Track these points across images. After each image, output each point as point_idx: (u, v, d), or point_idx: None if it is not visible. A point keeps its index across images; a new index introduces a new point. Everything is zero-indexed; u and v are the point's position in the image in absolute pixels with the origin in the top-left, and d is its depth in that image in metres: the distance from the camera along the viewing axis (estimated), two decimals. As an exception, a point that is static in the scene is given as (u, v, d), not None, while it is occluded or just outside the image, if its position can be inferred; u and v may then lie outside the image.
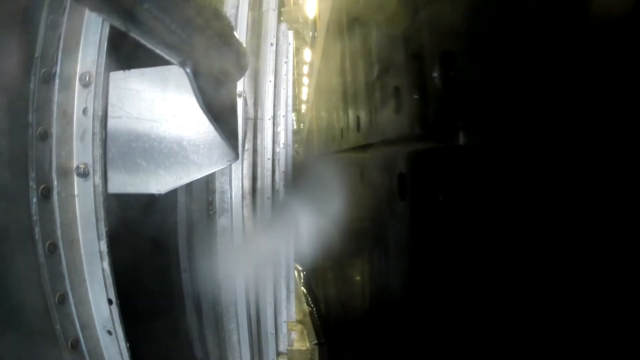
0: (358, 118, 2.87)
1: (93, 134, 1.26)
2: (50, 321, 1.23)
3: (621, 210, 0.91)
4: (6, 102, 1.20)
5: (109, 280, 1.27)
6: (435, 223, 1.66)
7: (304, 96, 18.34)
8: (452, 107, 1.50)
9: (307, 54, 14.76)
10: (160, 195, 1.43)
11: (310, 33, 12.08)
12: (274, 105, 3.79)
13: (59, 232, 1.25)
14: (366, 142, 2.57)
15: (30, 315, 1.21)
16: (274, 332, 3.82)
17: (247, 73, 1.69)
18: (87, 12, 1.27)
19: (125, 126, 1.39)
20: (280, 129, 4.38)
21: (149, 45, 1.00)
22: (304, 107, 18.44)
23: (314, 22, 10.73)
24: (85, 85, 1.26)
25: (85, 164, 1.25)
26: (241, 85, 2.58)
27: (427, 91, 1.69)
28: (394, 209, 2.17)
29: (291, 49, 5.11)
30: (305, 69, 15.97)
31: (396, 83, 2.09)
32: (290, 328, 5.20)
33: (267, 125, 3.42)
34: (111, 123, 1.38)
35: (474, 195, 1.33)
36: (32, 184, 1.21)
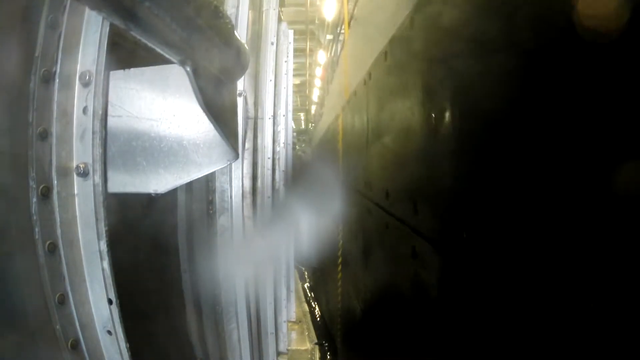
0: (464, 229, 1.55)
1: (93, 133, 1.25)
2: (50, 321, 1.23)
3: None
4: (6, 101, 1.19)
5: (109, 280, 1.26)
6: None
7: (315, 97, 18.21)
8: None
9: (321, 56, 14.39)
10: (160, 194, 1.42)
11: (331, 35, 11.84)
12: (274, 105, 3.80)
13: (59, 231, 1.25)
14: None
15: (30, 315, 1.20)
16: (274, 331, 3.83)
17: (247, 72, 1.69)
18: (87, 10, 1.27)
19: (125, 125, 1.38)
20: (281, 128, 4.38)
21: (149, 44, 0.99)
22: (314, 108, 18.41)
23: (335, 24, 10.62)
24: (85, 84, 1.26)
25: (85, 164, 1.25)
26: (241, 84, 2.58)
27: None
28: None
29: (291, 48, 5.12)
30: (319, 71, 15.62)
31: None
32: (290, 328, 5.20)
33: (267, 124, 3.42)
34: (111, 122, 1.38)
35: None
36: (32, 184, 1.21)
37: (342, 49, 7.68)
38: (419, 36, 2.01)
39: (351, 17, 6.01)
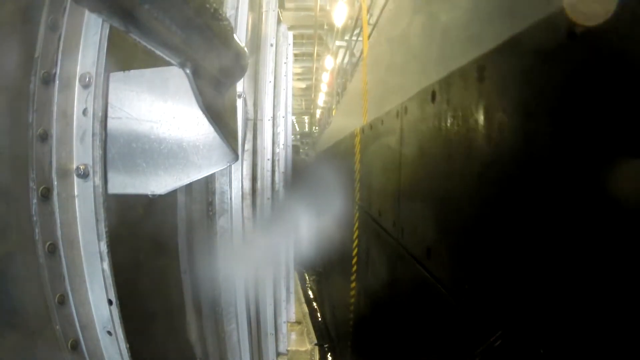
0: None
1: (93, 134, 1.26)
2: (50, 321, 1.23)
3: None
4: (6, 102, 1.20)
5: (109, 280, 1.27)
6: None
7: (321, 102, 18.12)
8: None
9: (328, 61, 14.07)
10: (159, 196, 1.43)
11: (341, 42, 11.69)
12: (274, 106, 3.80)
13: (59, 232, 1.25)
14: None
15: (30, 315, 1.21)
16: (273, 332, 3.83)
17: (246, 74, 1.69)
18: (87, 12, 1.27)
19: (125, 127, 1.39)
20: (280, 129, 4.39)
21: (149, 47, 1.00)
22: (319, 112, 18.45)
23: (345, 31, 10.37)
24: (85, 86, 1.26)
25: (85, 165, 1.25)
26: (241, 86, 2.59)
27: None
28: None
29: (291, 49, 5.13)
30: (326, 76, 15.38)
31: None
32: (289, 329, 5.21)
33: (267, 126, 3.43)
34: (111, 124, 1.38)
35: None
36: (32, 185, 1.21)
37: (358, 61, 7.14)
38: (489, 88, 1.53)
39: (373, 28, 5.51)
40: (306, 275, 9.84)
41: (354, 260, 4.77)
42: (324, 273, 8.04)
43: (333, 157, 7.69)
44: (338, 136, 7.12)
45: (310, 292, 8.80)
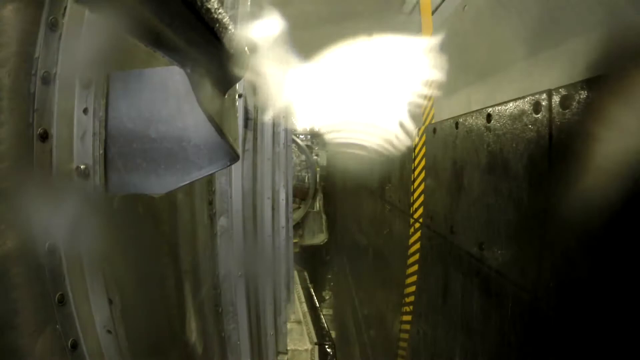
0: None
1: (93, 134, 1.26)
2: (50, 321, 1.23)
3: None
4: (6, 102, 1.20)
5: (109, 280, 1.27)
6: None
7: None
8: None
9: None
10: (159, 195, 1.42)
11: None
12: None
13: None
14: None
15: (30, 315, 1.21)
16: (273, 332, 3.83)
17: (247, 73, 1.69)
18: (87, 12, 1.27)
19: (125, 127, 1.39)
20: (280, 129, 4.39)
21: (149, 46, 1.00)
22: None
23: None
24: (86, 85, 1.26)
25: (86, 165, 1.25)
26: (241, 85, 2.59)
27: None
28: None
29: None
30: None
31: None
32: (290, 328, 5.21)
33: (267, 125, 3.42)
34: (111, 123, 1.38)
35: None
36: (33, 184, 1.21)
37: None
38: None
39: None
40: (306, 274, 9.81)
41: (410, 289, 4.36)
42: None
43: (366, 169, 7.38)
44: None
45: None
